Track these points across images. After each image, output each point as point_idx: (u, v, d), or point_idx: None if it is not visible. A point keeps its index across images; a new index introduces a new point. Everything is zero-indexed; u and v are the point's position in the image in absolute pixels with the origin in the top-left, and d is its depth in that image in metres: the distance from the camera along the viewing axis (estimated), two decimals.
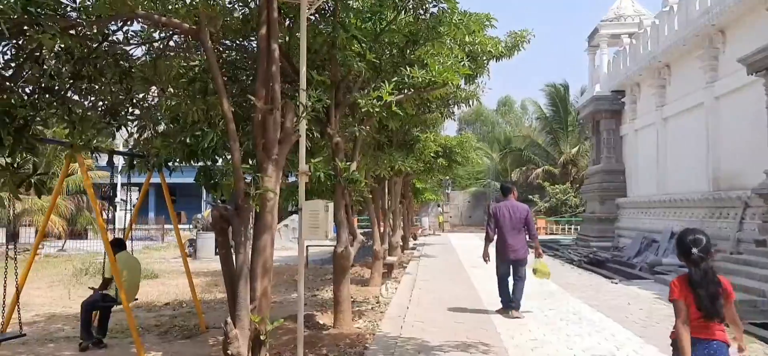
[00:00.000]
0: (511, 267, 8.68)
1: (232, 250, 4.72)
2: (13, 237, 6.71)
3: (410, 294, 10.69)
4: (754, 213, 13.32)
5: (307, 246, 19.13)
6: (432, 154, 14.88)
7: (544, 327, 7.62)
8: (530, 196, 41.82)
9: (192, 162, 6.75)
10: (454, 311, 8.93)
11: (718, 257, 13.30)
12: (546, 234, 36.66)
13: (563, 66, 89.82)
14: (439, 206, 45.48)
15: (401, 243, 21.05)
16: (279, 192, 4.91)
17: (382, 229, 14.99)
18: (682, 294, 3.45)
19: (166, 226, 31.62)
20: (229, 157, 8.04)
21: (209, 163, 7.57)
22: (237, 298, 4.49)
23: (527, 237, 8.77)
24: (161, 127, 6.40)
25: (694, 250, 3.45)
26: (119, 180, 21.89)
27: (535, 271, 8.71)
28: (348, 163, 7.89)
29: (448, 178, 34.65)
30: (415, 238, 30.61)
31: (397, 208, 17.02)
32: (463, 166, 18.04)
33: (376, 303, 10.60)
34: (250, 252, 4.57)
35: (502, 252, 8.66)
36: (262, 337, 4.54)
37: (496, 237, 8.72)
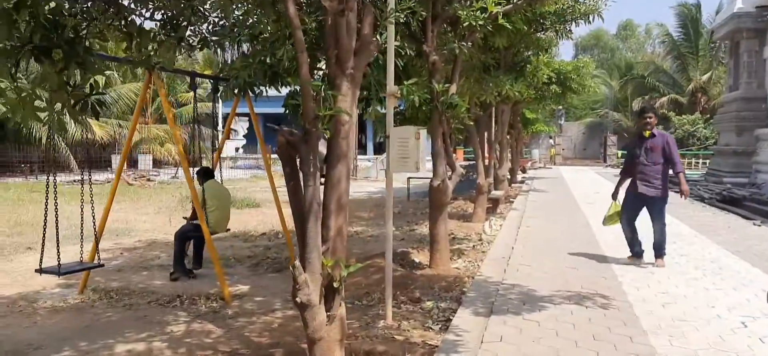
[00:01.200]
0: None
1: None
2: (88, 163, 6.51)
3: (516, 232, 9.75)
4: None
5: (408, 178, 18.55)
6: (544, 80, 13.62)
7: (675, 278, 6.46)
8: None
9: (278, 85, 6.19)
10: (566, 254, 7.92)
11: None
12: None
13: None
14: (550, 138, 43.31)
15: (508, 177, 19.95)
16: (356, 113, 4.15)
17: (487, 161, 14.00)
18: None
19: (275, 155, 32.26)
20: (316, 79, 7.40)
21: (298, 88, 6.98)
22: (306, 239, 3.82)
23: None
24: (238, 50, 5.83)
25: None
26: (220, 108, 22.08)
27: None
28: (446, 85, 6.99)
29: (561, 107, 32.69)
30: (523, 171, 29.23)
31: (504, 139, 15.89)
32: (578, 95, 16.44)
33: (479, 240, 9.81)
34: (321, 185, 3.87)
35: None
36: (335, 284, 3.86)
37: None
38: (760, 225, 10.91)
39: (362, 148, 37.06)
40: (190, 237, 7.39)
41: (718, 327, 4.72)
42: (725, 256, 7.71)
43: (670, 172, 7.21)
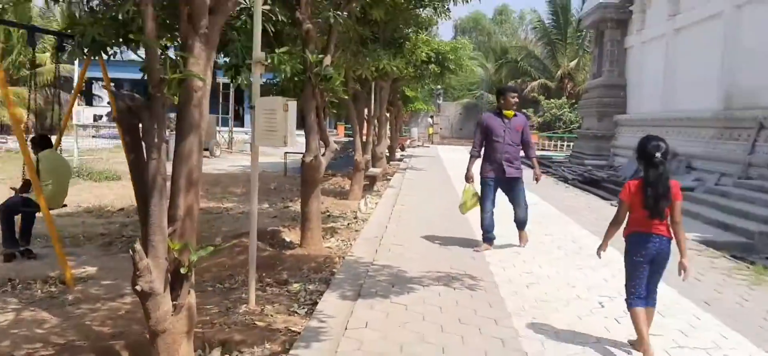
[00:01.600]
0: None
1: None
2: None
3: (391, 211, 9.67)
4: None
5: (285, 153, 18.01)
6: (423, 58, 13.67)
7: (540, 257, 6.60)
8: (525, 110, 40.69)
9: (133, 47, 5.57)
10: (438, 234, 7.89)
11: (728, 182, 12.35)
12: (538, 149, 35.76)
13: None
14: (430, 117, 44.24)
15: (387, 154, 20.01)
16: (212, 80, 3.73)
17: (365, 138, 13.86)
18: (631, 196, 3.85)
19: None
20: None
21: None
22: (149, 219, 3.37)
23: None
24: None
25: (658, 154, 3.73)
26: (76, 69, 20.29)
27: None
28: (321, 56, 6.65)
29: (440, 87, 33.33)
30: (402, 149, 29.58)
31: (383, 116, 15.82)
32: (456, 75, 16.78)
33: (354, 218, 9.64)
34: (166, 159, 3.43)
35: None
36: (182, 270, 3.46)
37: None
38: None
39: (239, 120, 35.84)
40: (19, 211, 6.53)
41: (577, 308, 4.81)
42: (585, 236, 8.04)
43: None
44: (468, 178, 7.05)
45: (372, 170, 13.90)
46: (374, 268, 5.82)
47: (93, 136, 28.46)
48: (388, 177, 16.02)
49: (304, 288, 5.59)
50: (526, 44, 47.53)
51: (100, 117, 35.50)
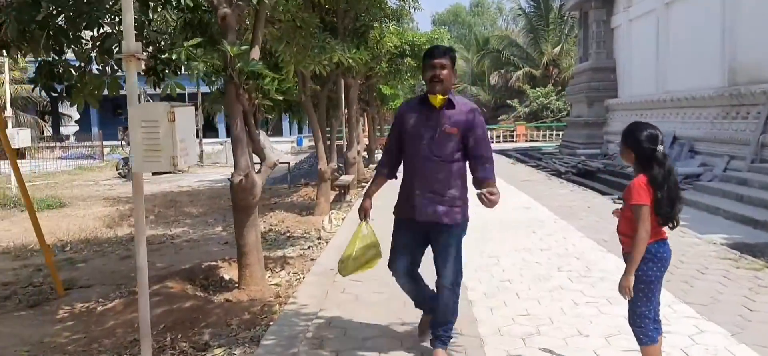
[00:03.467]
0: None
1: None
2: None
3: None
4: None
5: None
6: (396, 51, 12.35)
7: (537, 287, 5.11)
8: (509, 101, 39.49)
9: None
10: None
11: (741, 166, 11.02)
12: (526, 140, 34.59)
13: None
14: None
15: (365, 157, 18.59)
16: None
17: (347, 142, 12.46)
18: (649, 198, 2.95)
19: (105, 143, 28.82)
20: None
21: (53, 56, 5.15)
22: None
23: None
24: None
25: (660, 148, 2.94)
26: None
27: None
28: (244, 48, 5.22)
29: (420, 82, 32.00)
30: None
31: (352, 117, 14.38)
32: None
33: (318, 239, 8.23)
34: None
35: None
36: None
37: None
38: (620, 202, 10.23)
39: (214, 131, 34.20)
40: None
41: None
42: (591, 249, 6.54)
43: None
44: (362, 211, 3.91)
45: (343, 178, 12.47)
46: (317, 324, 4.36)
47: (59, 158, 27.13)
48: (364, 184, 14.59)
49: (229, 354, 4.19)
50: (508, 33, 46.32)
51: (67, 137, 33.94)
